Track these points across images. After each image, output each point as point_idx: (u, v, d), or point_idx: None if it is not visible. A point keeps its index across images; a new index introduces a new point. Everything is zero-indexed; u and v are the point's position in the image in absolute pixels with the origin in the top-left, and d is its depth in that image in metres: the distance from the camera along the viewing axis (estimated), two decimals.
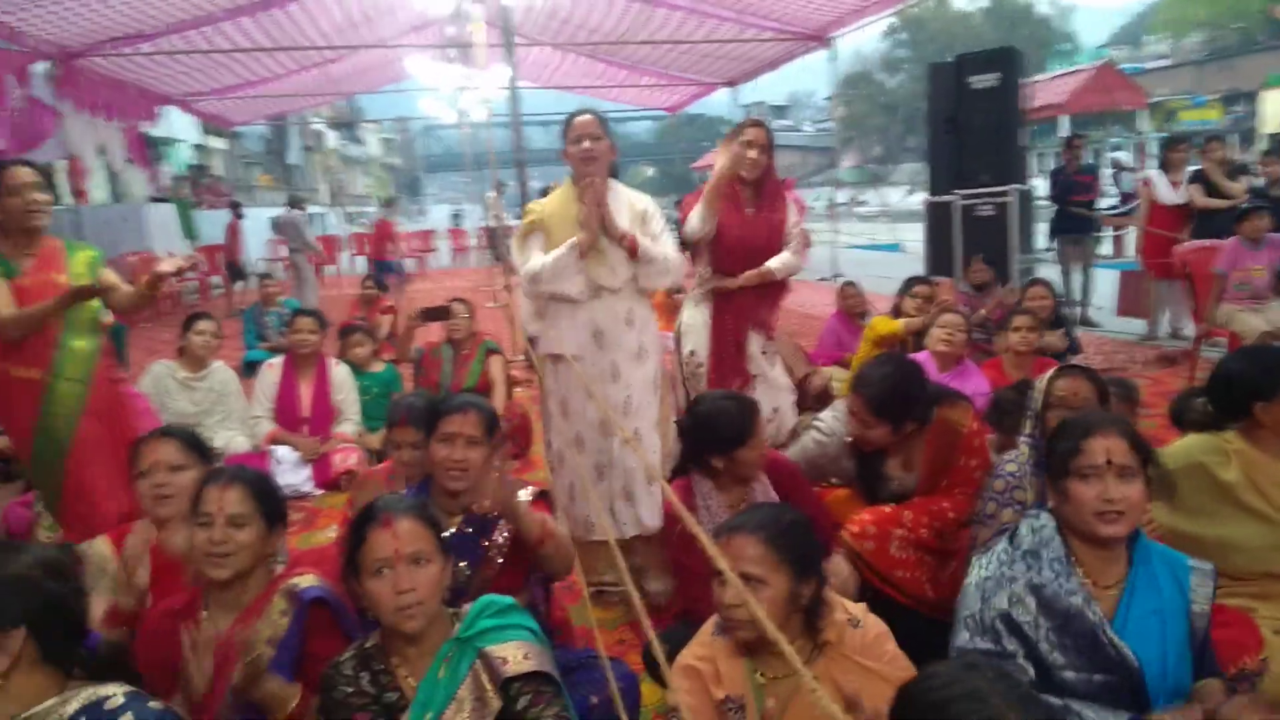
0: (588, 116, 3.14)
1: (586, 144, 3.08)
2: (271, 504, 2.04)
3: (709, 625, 1.89)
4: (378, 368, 5.22)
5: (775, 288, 3.83)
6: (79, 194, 10.41)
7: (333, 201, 32.13)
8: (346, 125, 32.74)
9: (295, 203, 10.99)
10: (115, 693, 1.49)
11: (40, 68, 8.74)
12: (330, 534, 3.85)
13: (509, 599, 1.87)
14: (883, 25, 31.32)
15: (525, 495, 2.44)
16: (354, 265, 19.16)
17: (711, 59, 11.91)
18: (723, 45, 10.91)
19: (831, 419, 3.10)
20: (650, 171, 49.26)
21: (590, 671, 2.18)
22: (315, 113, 24.06)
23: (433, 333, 5.85)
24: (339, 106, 26.76)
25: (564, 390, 3.21)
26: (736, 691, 1.79)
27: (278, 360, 4.90)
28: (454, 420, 2.34)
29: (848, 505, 2.88)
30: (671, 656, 2.47)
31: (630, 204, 3.23)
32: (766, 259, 3.72)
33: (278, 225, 11.33)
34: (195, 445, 2.44)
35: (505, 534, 2.35)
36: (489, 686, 1.70)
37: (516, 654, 1.73)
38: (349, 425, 4.83)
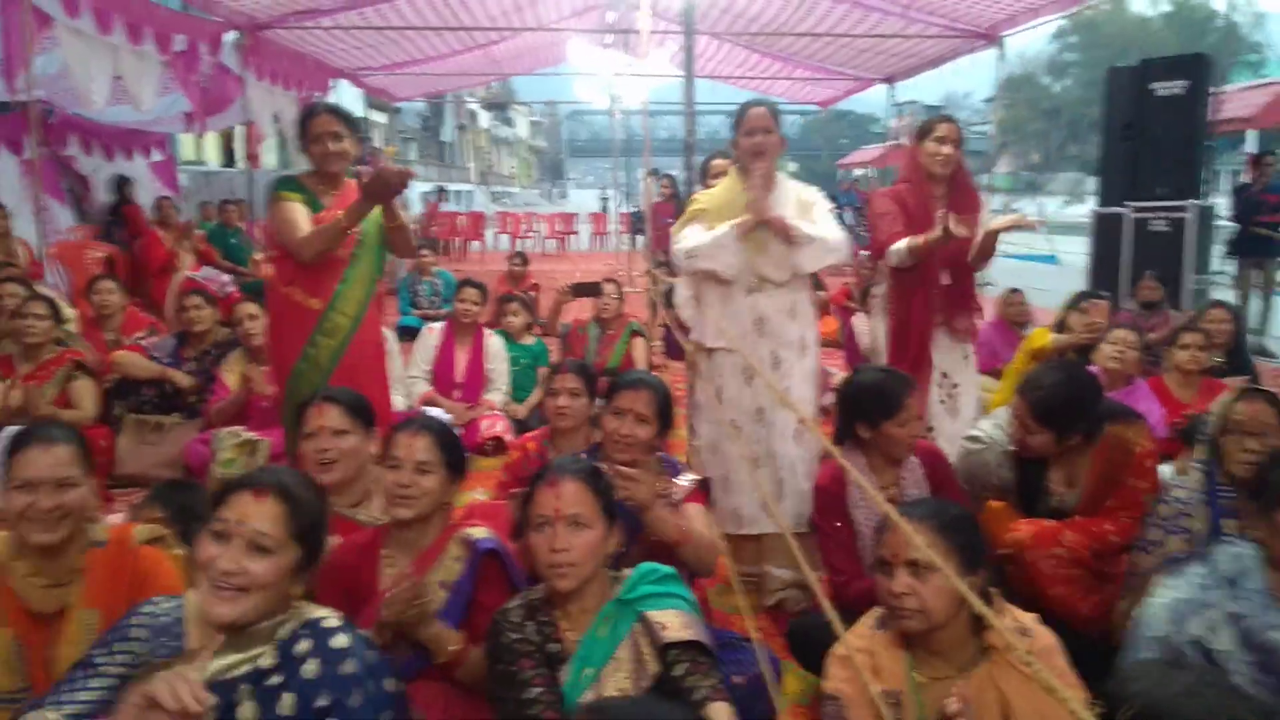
0: (761, 110, 3.14)
1: (759, 137, 3.09)
2: (454, 455, 2.15)
3: (868, 617, 1.87)
4: (529, 340, 5.36)
5: (963, 286, 3.50)
6: (252, 158, 11.05)
7: (480, 180, 33.12)
8: (499, 106, 33.63)
9: (438, 191, 11.44)
10: (329, 614, 1.61)
11: (230, 37, 9.30)
12: (477, 496, 3.99)
13: (670, 568, 1.90)
14: (1052, 27, 29.90)
15: (685, 482, 2.48)
16: (498, 242, 19.75)
17: (871, 54, 11.64)
18: (884, 40, 10.64)
19: (991, 427, 2.99)
20: (793, 167, 48.65)
21: (734, 652, 2.20)
22: (470, 92, 24.79)
23: (582, 309, 5.95)
24: (493, 88, 27.51)
25: (719, 378, 3.21)
26: (895, 686, 1.76)
27: (439, 325, 5.10)
28: (628, 396, 2.43)
29: (1002, 518, 2.78)
30: (803, 646, 2.48)
31: (797, 196, 3.21)
32: (961, 260, 3.45)
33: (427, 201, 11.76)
34: (359, 410, 2.51)
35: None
36: (647, 650, 1.74)
37: (676, 622, 1.76)
38: (498, 394, 5.00)
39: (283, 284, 3.20)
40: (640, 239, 13.98)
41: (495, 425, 4.80)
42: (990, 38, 9.81)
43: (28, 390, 4.08)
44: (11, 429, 3.98)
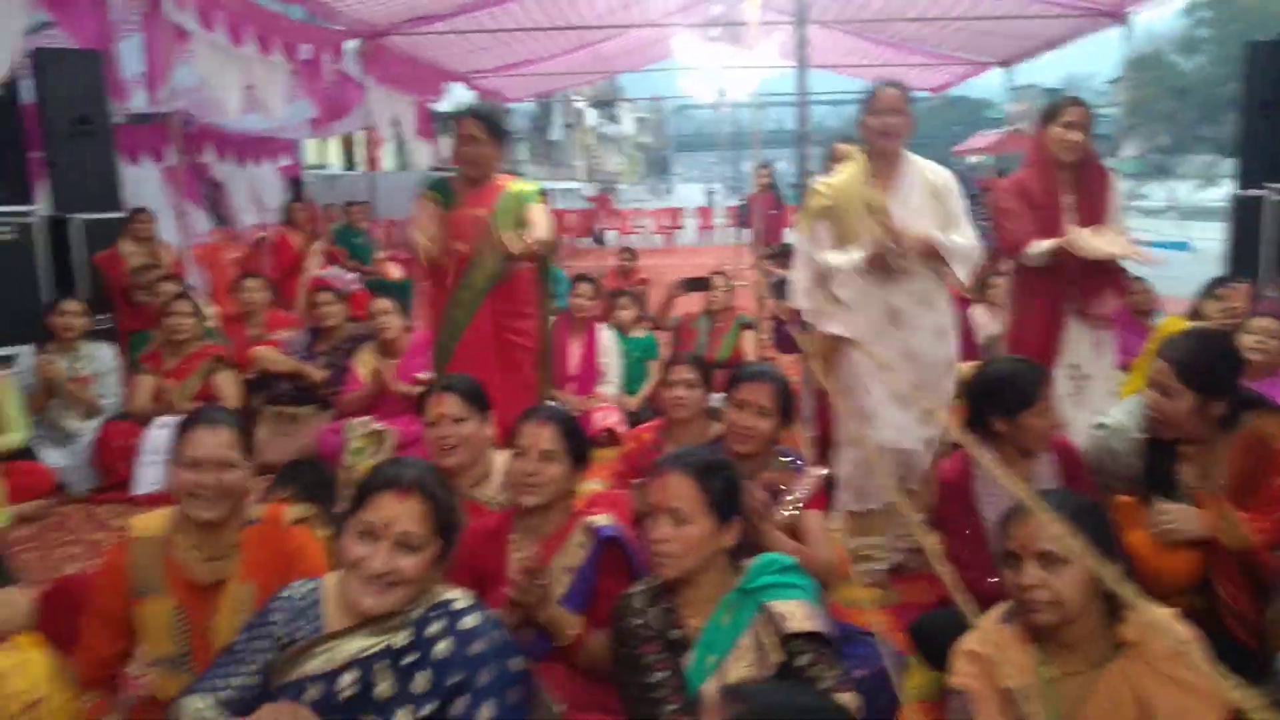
0: (894, 90, 3.10)
1: (889, 118, 3.05)
2: (578, 444, 2.22)
3: (995, 612, 1.84)
4: (639, 333, 5.42)
5: (1103, 267, 3.28)
6: (372, 161, 11.46)
7: (588, 178, 33.51)
8: (606, 104, 33.93)
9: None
10: (460, 595, 1.69)
11: (351, 45, 9.67)
12: (592, 486, 4.07)
13: (791, 559, 1.91)
14: (1182, 1, 28.31)
15: (810, 479, 2.48)
16: (604, 239, 19.97)
17: (987, 37, 11.25)
18: (1001, 22, 10.28)
19: (1121, 413, 2.88)
20: None
21: (855, 645, 2.18)
22: (577, 91, 25.07)
23: (691, 303, 5.98)
24: (599, 85, 27.79)
25: (848, 368, 3.19)
26: (1023, 683, 1.73)
27: (552, 320, 5.21)
28: (750, 388, 2.45)
29: (1130, 513, 2.67)
30: (926, 642, 2.45)
31: (926, 179, 3.15)
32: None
33: None
34: (476, 398, 2.63)
35: (787, 511, 2.41)
36: (770, 640, 1.74)
37: (798, 612, 1.76)
38: (610, 387, 5.08)
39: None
40: (746, 232, 13.90)
41: (608, 417, 4.88)
42: (1117, 15, 9.37)
43: (167, 388, 4.39)
44: (162, 419, 4.30)
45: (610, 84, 29.99)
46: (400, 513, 1.61)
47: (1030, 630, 1.75)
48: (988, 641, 1.78)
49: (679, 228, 20.69)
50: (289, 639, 1.67)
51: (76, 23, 6.14)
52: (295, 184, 9.35)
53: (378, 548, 1.60)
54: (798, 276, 3.36)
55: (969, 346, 5.83)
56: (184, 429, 2.08)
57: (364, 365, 4.59)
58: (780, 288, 6.68)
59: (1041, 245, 3.17)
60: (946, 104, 34.16)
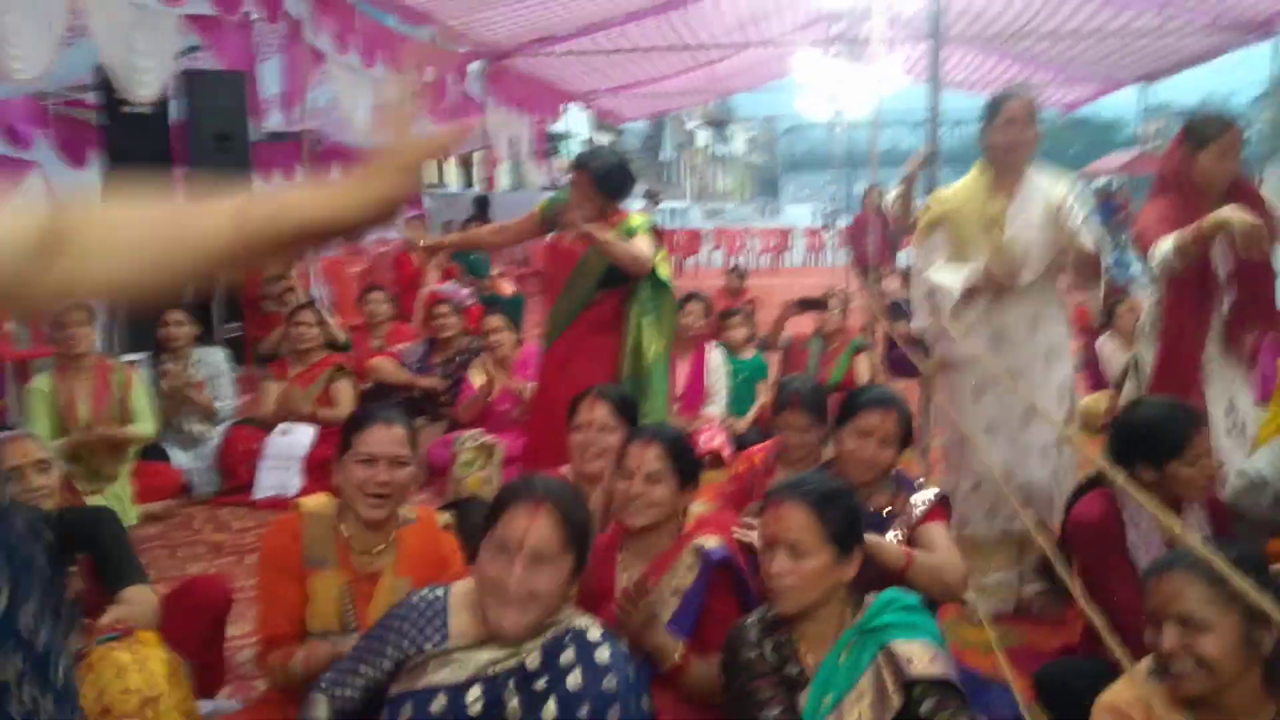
0: (1021, 101, 2.94)
1: (1016, 131, 2.91)
2: (686, 464, 2.16)
3: (1142, 665, 1.70)
4: (749, 354, 5.35)
5: (1257, 291, 3.00)
6: (488, 180, 11.75)
7: (696, 198, 33.59)
8: (718, 124, 34.04)
9: (651, 195, 11.76)
10: (591, 624, 1.67)
11: (474, 67, 9.95)
12: (697, 509, 4.02)
13: (915, 597, 1.82)
14: None
15: (925, 498, 2.37)
16: (712, 259, 19.93)
17: (1123, 53, 10.79)
18: (1139, 38, 9.83)
19: (1264, 463, 2.65)
20: None
21: (982, 694, 2.10)
22: (689, 112, 25.20)
23: (802, 324, 5.88)
24: (711, 106, 27.89)
25: (955, 391, 3.08)
26: None
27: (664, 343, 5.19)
28: (875, 415, 2.35)
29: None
30: (1055, 693, 2.29)
31: (1045, 196, 2.97)
32: (1256, 266, 2.95)
33: None
34: (625, 409, 2.60)
35: (898, 534, 2.31)
36: (891, 683, 1.66)
37: (923, 655, 1.67)
38: (716, 408, 5.01)
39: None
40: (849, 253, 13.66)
41: (714, 439, 4.81)
42: (1268, 29, 8.84)
43: (293, 394, 4.54)
44: (284, 425, 4.46)
45: (722, 104, 30.08)
46: (534, 527, 1.61)
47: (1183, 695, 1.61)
48: (1133, 700, 1.65)
49: (788, 249, 20.47)
50: (415, 647, 1.68)
51: (224, 46, 6.51)
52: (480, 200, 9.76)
53: (513, 564, 1.60)
54: (915, 295, 3.24)
55: (1095, 378, 5.55)
56: (356, 426, 2.12)
57: (480, 374, 4.69)
58: (896, 309, 6.51)
59: (1164, 244, 2.80)
60: (1072, 124, 32.88)
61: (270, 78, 7.15)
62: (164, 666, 1.88)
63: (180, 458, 4.41)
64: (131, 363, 4.50)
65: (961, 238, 3.01)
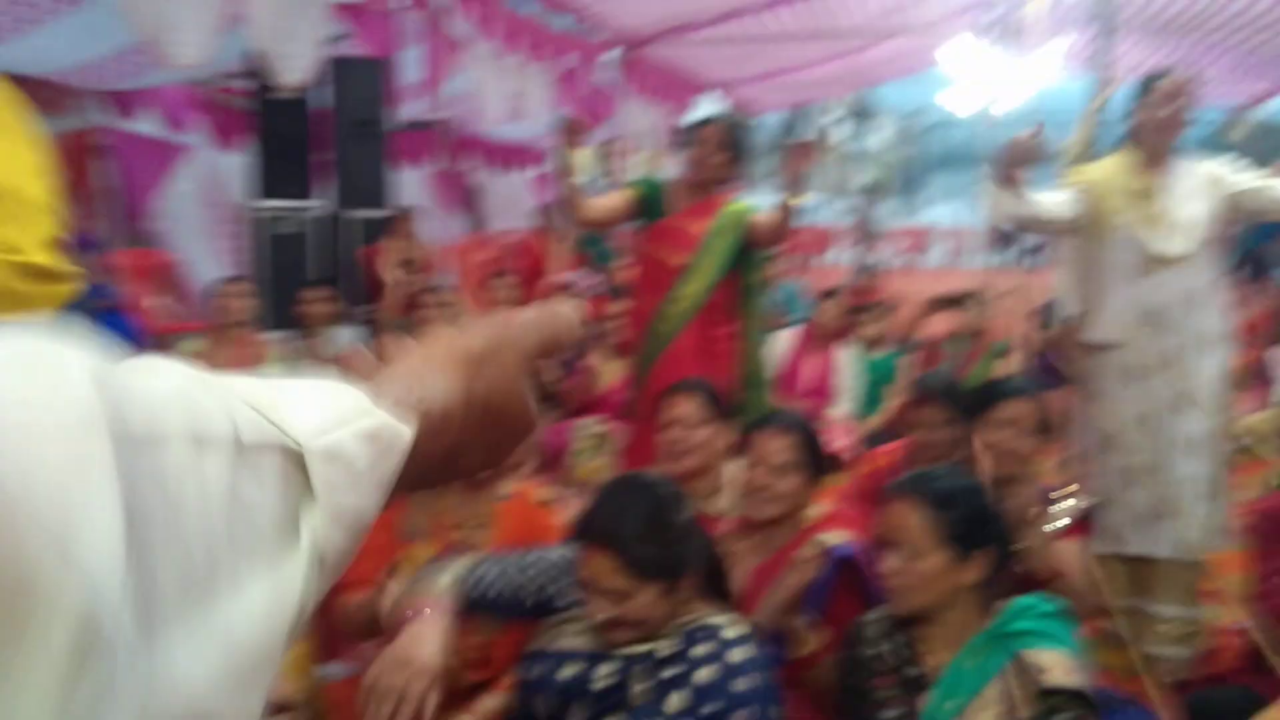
0: (1176, 79, 2.76)
1: (1165, 110, 2.73)
2: (815, 457, 2.10)
3: None
4: (880, 354, 5.12)
5: None
6: (619, 172, 11.73)
7: (832, 194, 32.86)
8: (859, 116, 33.25)
9: (869, 190, 11.71)
10: (729, 621, 1.63)
11: (608, 56, 9.93)
12: (818, 511, 3.85)
13: (1054, 604, 1.69)
14: None
15: (1065, 508, 2.22)
16: (843, 258, 19.45)
17: None
18: None
19: None
20: None
21: (1119, 714, 1.95)
22: (829, 104, 24.67)
23: (940, 324, 5.60)
24: (852, 98, 27.13)
25: (1099, 380, 2.82)
26: None
27: (790, 333, 5.05)
28: (1012, 406, 2.22)
29: None
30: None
31: (1200, 170, 2.80)
32: None
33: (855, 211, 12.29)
34: (715, 404, 2.50)
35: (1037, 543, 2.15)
36: (1020, 692, 1.56)
37: (1060, 666, 1.56)
38: (842, 409, 4.82)
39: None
40: (1005, 255, 13.04)
41: (838, 440, 4.61)
42: None
43: None
44: None
45: (863, 97, 29.21)
46: (596, 570, 1.57)
47: None
48: None
49: (926, 249, 19.79)
50: (547, 593, 1.68)
51: (369, 33, 6.68)
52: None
53: (596, 601, 1.58)
54: (1064, 275, 3.00)
55: (1262, 390, 5.03)
56: None
57: (597, 362, 4.65)
58: (1047, 312, 6.09)
59: None
60: (1259, 125, 30.40)
61: (410, 66, 7.30)
62: None
63: None
64: (272, 340, 4.66)
65: (1103, 210, 2.79)
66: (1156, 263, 2.73)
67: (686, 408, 2.44)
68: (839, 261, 18.80)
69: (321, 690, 2.17)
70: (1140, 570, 2.76)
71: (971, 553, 1.66)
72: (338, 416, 0.41)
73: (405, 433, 0.45)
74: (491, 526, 2.13)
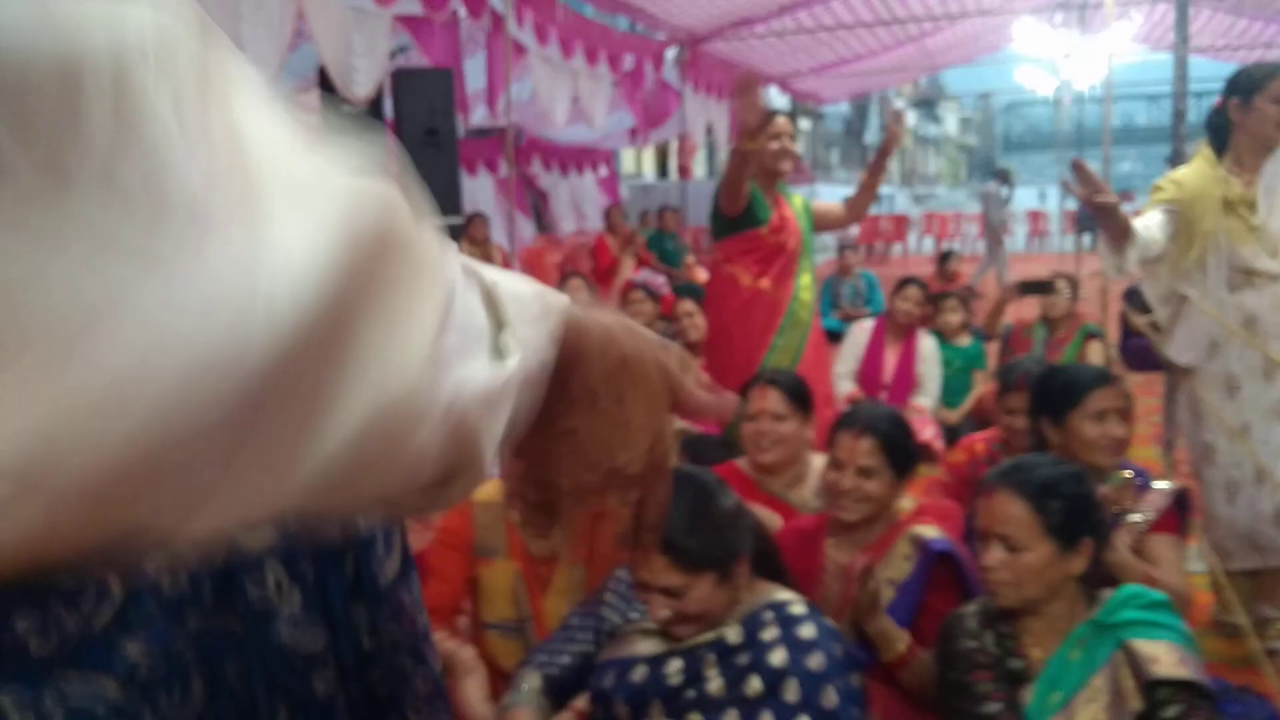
0: None
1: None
2: (902, 453, 2.01)
3: None
4: (964, 341, 4.96)
5: None
6: (684, 169, 11.66)
7: (904, 182, 32.33)
8: (927, 103, 32.58)
9: (1001, 176, 11.62)
10: (794, 599, 1.58)
11: (671, 53, 9.89)
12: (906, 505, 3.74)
13: (1161, 595, 1.61)
14: None
15: (1162, 492, 2.12)
16: (921, 245, 19.07)
17: None
18: None
19: None
20: None
21: (1233, 704, 1.86)
22: (896, 91, 24.28)
23: (1025, 310, 5.40)
24: (919, 84, 26.66)
25: (1196, 391, 2.71)
26: None
27: (869, 323, 4.94)
28: (1107, 395, 2.13)
29: None
30: None
31: None
32: None
33: (983, 196, 12.26)
34: (799, 396, 2.47)
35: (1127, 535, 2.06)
36: (1129, 683, 1.50)
37: (1169, 656, 1.49)
38: (927, 399, 4.68)
39: (727, 263, 3.36)
40: (1088, 237, 12.59)
41: (924, 431, 4.47)
42: None
43: None
44: None
45: (932, 82, 28.66)
46: (652, 570, 1.53)
47: None
48: None
49: (1008, 233, 19.31)
50: (620, 616, 1.69)
51: (431, 44, 6.76)
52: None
53: (654, 601, 1.54)
54: (1147, 284, 2.85)
55: None
56: None
57: None
58: (1135, 296, 5.84)
59: None
60: None
61: (474, 73, 7.36)
62: None
63: None
64: None
65: (1195, 223, 2.64)
66: (1254, 275, 2.62)
67: (773, 399, 2.42)
68: (918, 251, 18.47)
69: None
70: (1259, 580, 2.65)
71: (1075, 543, 1.61)
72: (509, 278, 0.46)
73: (564, 299, 0.49)
74: (569, 537, 2.06)
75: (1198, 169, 2.72)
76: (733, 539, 1.56)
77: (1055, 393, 2.20)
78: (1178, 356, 2.73)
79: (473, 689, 1.78)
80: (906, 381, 4.71)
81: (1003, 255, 11.37)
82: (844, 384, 4.79)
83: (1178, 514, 2.13)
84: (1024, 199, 25.55)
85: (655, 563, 1.51)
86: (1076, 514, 1.61)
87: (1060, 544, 1.59)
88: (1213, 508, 2.69)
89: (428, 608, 1.94)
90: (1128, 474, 2.17)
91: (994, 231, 11.48)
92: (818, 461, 2.41)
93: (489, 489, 2.13)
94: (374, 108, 6.38)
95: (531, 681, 1.68)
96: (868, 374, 4.77)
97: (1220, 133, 2.69)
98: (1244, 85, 2.60)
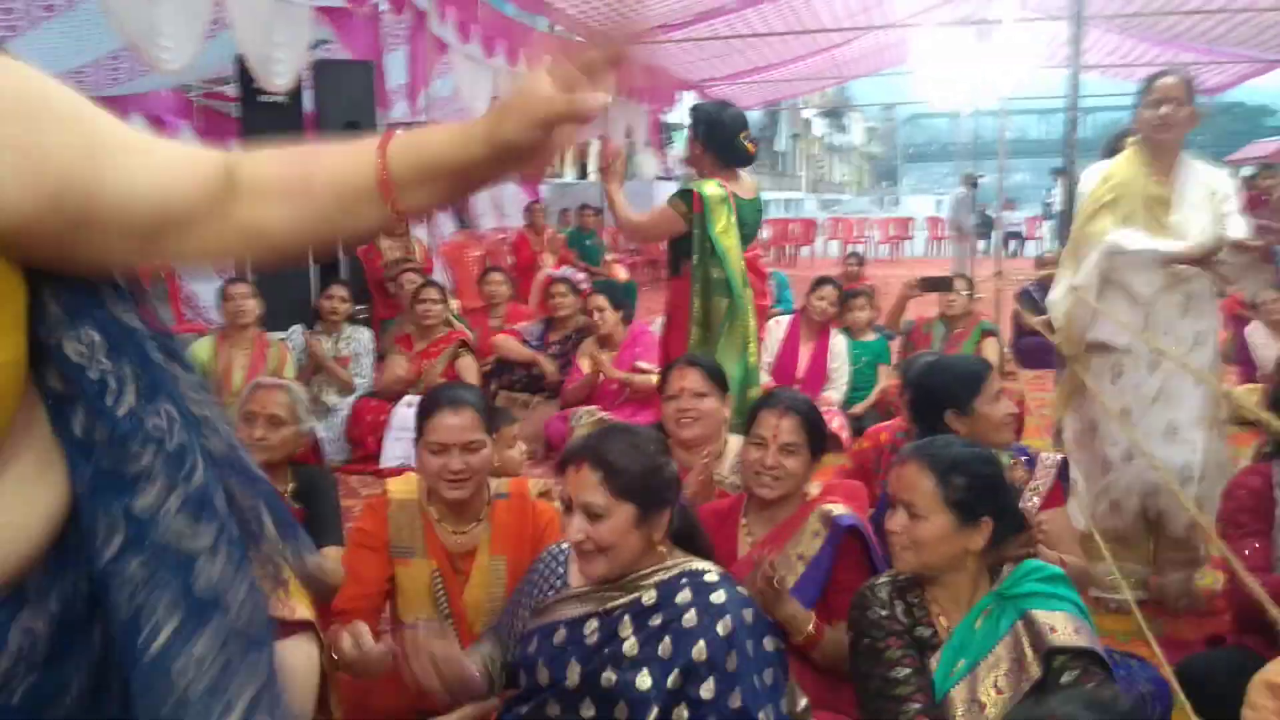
0: (1173, 79, 2.88)
1: (1165, 109, 2.81)
2: (818, 436, 2.14)
3: None
4: (870, 337, 5.23)
5: None
6: (604, 170, 11.80)
7: (811, 189, 33.07)
8: (834, 113, 33.41)
9: (969, 181, 12.11)
10: (710, 568, 1.67)
11: None
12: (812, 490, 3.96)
13: (1057, 568, 1.74)
14: None
15: (1050, 462, 2.33)
16: (827, 248, 19.62)
17: (1275, 32, 10.06)
18: None
19: None
20: None
21: (1120, 669, 1.97)
22: (805, 100, 24.86)
23: (923, 307, 5.71)
24: (828, 94, 27.37)
25: (1092, 376, 2.99)
26: None
27: (785, 319, 5.15)
28: (995, 378, 2.36)
29: None
30: (1202, 683, 2.15)
31: (1205, 184, 2.90)
32: None
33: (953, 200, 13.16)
34: (716, 376, 2.65)
35: (1030, 505, 2.24)
36: (1030, 652, 1.60)
37: (1066, 626, 1.60)
38: (836, 392, 4.93)
39: None
40: (983, 244, 13.25)
41: (832, 422, 4.72)
42: None
43: (423, 367, 4.68)
44: (409, 397, 4.59)
45: (840, 93, 29.46)
46: (580, 484, 1.62)
47: None
48: None
49: (908, 238, 19.99)
50: (542, 595, 1.75)
51: (353, 37, 6.73)
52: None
53: (574, 518, 1.63)
54: (1070, 278, 3.08)
55: (1247, 367, 5.21)
56: (426, 412, 2.08)
57: (585, 357, 4.78)
58: (1027, 297, 6.24)
59: None
60: (1219, 110, 30.90)
61: (396, 68, 7.35)
62: (306, 599, 1.96)
63: (315, 427, 4.59)
64: (283, 340, 4.73)
65: (1124, 217, 2.92)
66: (1164, 272, 2.85)
67: (693, 378, 2.56)
68: (825, 254, 18.97)
69: None
70: (1112, 539, 2.90)
71: (975, 519, 1.68)
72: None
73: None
74: (488, 529, 2.11)
75: (1123, 164, 2.97)
76: (659, 487, 1.66)
77: (955, 384, 2.31)
78: (1111, 339, 2.95)
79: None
80: (819, 375, 4.95)
81: (971, 255, 11.75)
82: (759, 377, 5.01)
83: (1061, 483, 2.34)
84: (923, 207, 26.56)
85: (584, 476, 1.61)
86: (978, 491, 1.70)
87: (959, 518, 1.67)
88: (1089, 475, 2.96)
89: (345, 611, 2.03)
90: (1016, 453, 2.35)
91: (963, 233, 12.03)
92: (735, 441, 2.56)
93: (405, 486, 2.16)
94: (294, 99, 6.32)
95: (486, 647, 1.78)
96: (782, 368, 4.99)
97: (1134, 127, 2.98)
98: (1140, 90, 2.92)
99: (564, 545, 1.80)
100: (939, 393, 2.34)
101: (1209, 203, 2.85)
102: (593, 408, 4.42)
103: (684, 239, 3.40)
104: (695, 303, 3.38)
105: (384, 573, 2.10)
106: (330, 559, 2.23)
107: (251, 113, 6.18)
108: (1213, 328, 2.99)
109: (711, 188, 3.36)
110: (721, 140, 3.42)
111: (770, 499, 2.10)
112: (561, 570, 1.77)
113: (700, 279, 3.37)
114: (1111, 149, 3.00)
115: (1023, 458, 2.38)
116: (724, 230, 3.36)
